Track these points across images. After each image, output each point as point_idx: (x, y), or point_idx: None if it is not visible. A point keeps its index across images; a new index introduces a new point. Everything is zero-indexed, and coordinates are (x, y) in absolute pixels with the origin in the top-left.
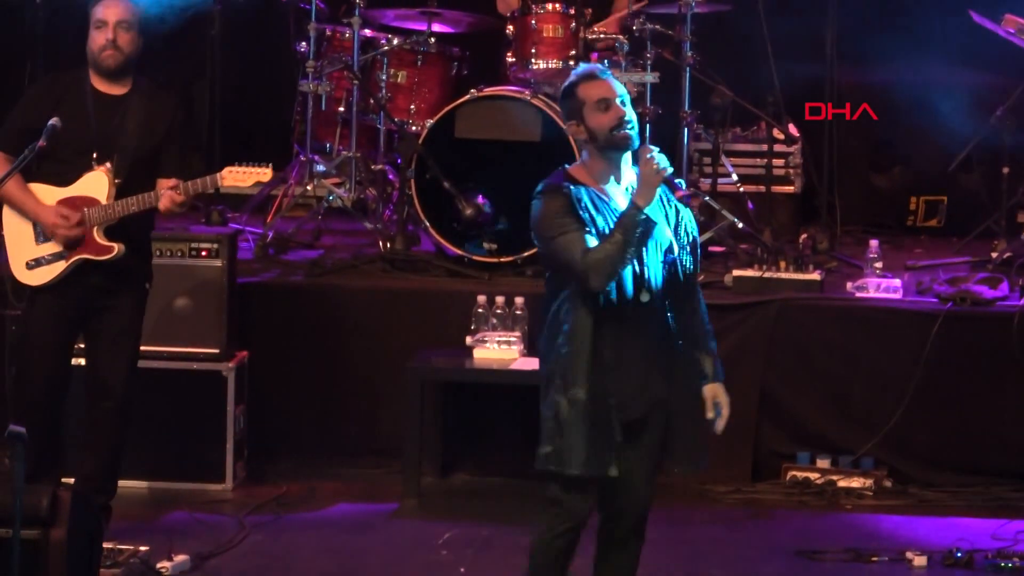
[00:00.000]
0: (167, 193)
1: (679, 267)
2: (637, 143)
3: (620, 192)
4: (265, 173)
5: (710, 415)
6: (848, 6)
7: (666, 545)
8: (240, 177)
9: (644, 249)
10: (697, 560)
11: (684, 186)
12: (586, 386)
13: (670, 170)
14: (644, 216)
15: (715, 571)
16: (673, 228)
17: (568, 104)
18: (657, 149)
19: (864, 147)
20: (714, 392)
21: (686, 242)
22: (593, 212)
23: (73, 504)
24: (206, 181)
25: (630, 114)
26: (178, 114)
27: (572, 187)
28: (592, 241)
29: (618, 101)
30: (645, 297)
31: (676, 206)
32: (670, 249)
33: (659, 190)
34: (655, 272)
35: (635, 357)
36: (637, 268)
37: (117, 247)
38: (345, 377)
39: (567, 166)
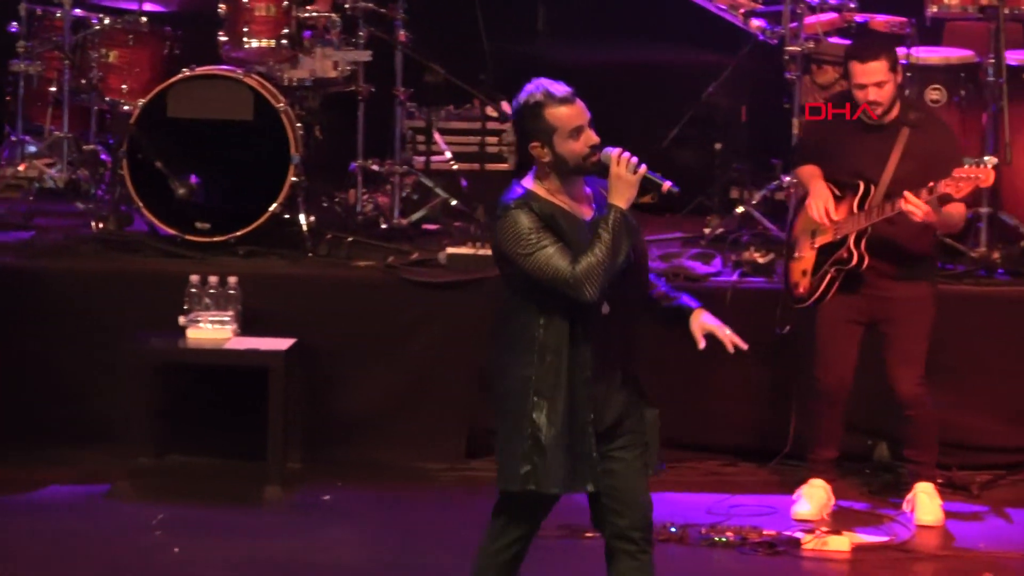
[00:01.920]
0: None
1: (635, 273)
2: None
3: (579, 206)
4: None
5: (701, 345)
6: None
7: (380, 525)
8: None
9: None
10: (414, 539)
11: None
12: (566, 401)
13: (644, 168)
14: (626, 217)
15: (431, 550)
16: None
17: (532, 125)
18: (620, 149)
19: None
20: (698, 319)
21: (641, 248)
22: (564, 227)
23: None
24: None
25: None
26: None
27: (538, 203)
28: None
29: (588, 125)
30: (606, 308)
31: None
32: (627, 256)
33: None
34: (614, 282)
35: (604, 370)
36: None
37: None
38: (58, 358)
39: (523, 183)
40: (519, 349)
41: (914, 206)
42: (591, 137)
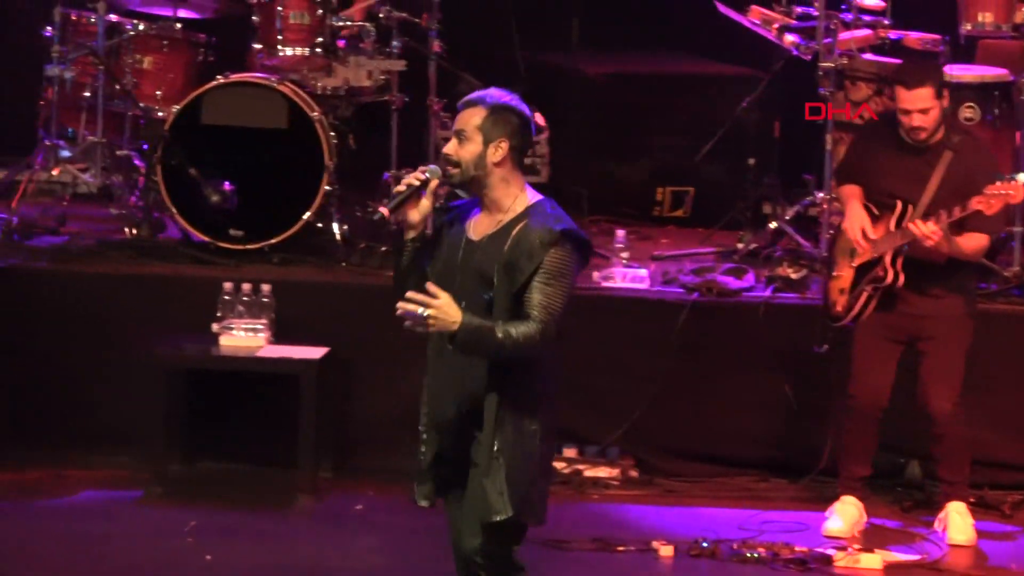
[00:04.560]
0: None
1: (500, 310)
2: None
3: (487, 216)
4: None
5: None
6: None
7: (410, 534)
8: None
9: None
10: (445, 549)
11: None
12: (425, 416)
13: (400, 187)
14: (401, 239)
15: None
16: (502, 266)
17: None
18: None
19: (611, 137)
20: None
21: (508, 283)
22: (443, 246)
23: None
24: None
25: (456, 152)
26: None
27: (455, 214)
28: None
29: (457, 136)
30: (449, 346)
31: (519, 243)
32: (488, 289)
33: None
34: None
35: (446, 395)
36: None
37: None
38: (90, 363)
39: None
40: None
41: (923, 232)
42: (447, 146)
